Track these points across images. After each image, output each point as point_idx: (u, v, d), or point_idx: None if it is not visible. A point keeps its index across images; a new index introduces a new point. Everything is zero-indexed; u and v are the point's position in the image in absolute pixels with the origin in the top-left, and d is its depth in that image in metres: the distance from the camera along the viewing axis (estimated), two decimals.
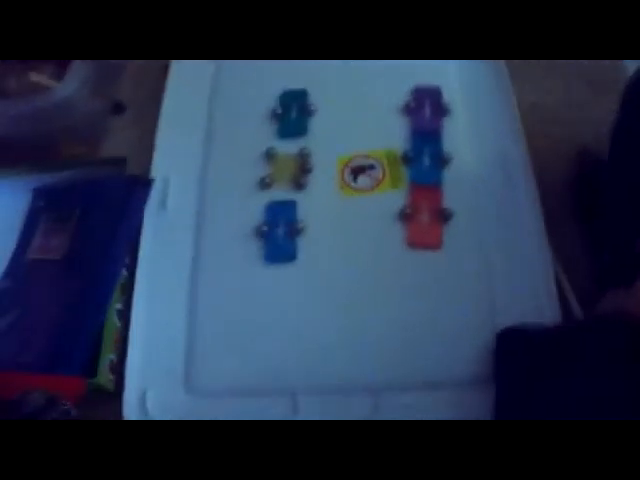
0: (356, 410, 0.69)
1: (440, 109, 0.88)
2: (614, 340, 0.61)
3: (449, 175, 0.82)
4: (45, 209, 0.91)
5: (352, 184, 0.83)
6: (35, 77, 0.93)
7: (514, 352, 0.67)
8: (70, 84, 0.87)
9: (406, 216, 0.79)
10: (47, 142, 0.97)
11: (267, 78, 0.95)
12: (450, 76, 0.91)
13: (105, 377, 0.74)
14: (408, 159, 0.84)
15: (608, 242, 0.76)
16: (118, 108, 1.06)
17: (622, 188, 0.71)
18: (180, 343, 0.76)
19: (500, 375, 0.67)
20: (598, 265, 0.77)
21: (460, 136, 0.86)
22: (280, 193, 0.84)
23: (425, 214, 0.79)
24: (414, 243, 0.78)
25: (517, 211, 0.79)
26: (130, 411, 0.71)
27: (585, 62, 0.98)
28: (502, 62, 0.91)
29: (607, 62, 0.98)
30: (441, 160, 0.83)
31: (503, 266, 0.76)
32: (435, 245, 0.77)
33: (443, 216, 0.79)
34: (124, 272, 0.82)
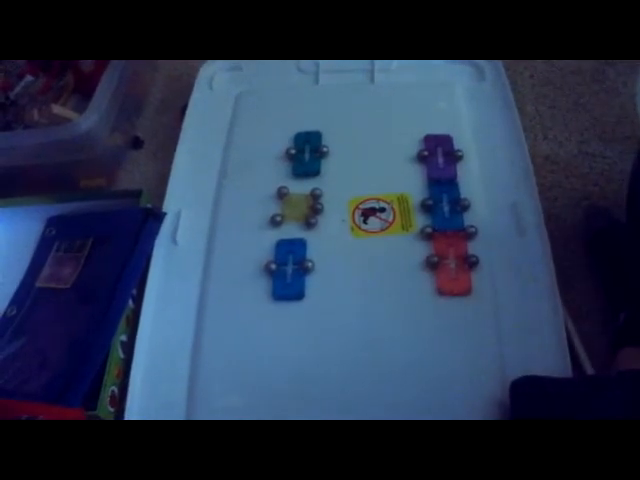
0: None
1: (453, 156, 0.88)
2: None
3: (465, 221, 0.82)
4: (57, 238, 0.92)
5: (362, 225, 0.84)
6: (57, 109, 0.96)
7: (531, 402, 0.65)
8: (91, 117, 0.89)
9: (433, 264, 0.77)
10: (65, 173, 0.99)
11: (283, 119, 0.97)
12: (462, 125, 0.93)
13: (105, 410, 0.73)
14: (427, 207, 0.83)
15: (626, 301, 0.75)
16: (136, 143, 1.08)
17: None
18: (183, 378, 0.75)
19: None
20: (612, 323, 0.76)
21: (473, 184, 0.86)
22: (290, 231, 0.84)
23: (451, 261, 0.78)
24: (443, 290, 0.76)
25: (529, 261, 0.78)
26: None
27: (597, 115, 1.00)
28: (516, 114, 0.93)
29: (620, 116, 0.99)
30: (460, 206, 0.83)
31: (513, 316, 0.74)
32: (463, 292, 0.76)
33: (469, 262, 0.77)
34: (130, 303, 0.83)
